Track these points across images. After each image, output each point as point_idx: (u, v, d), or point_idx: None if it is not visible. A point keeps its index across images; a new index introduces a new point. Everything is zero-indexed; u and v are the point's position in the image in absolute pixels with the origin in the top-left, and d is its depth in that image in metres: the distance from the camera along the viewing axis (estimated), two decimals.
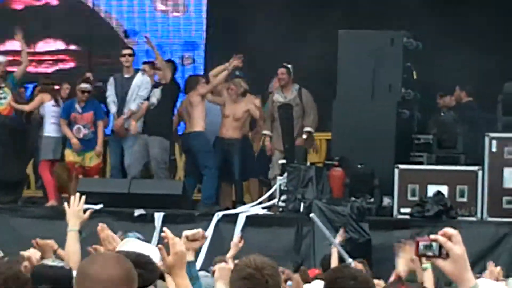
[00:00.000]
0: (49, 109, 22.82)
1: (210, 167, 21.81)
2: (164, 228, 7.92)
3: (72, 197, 11.46)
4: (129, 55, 23.71)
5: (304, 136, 21.85)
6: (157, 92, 22.54)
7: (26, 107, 23.25)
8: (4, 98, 22.80)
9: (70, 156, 22.64)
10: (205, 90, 22.21)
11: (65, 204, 11.35)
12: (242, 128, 22.51)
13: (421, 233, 18.84)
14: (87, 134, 22.37)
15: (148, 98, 22.64)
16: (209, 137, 22.61)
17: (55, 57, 28.48)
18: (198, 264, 16.88)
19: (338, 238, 17.09)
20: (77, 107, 22.41)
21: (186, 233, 8.00)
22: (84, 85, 22.92)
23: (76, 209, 11.19)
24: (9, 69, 24.61)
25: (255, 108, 22.45)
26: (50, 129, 22.79)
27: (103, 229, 11.03)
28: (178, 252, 7.52)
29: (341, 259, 15.45)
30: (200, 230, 8.26)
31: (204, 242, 9.05)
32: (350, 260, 15.74)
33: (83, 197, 11.33)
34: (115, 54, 25.32)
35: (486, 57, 21.94)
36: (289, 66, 22.32)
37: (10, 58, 25.51)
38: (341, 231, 16.76)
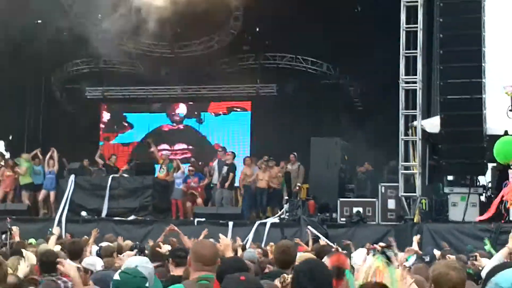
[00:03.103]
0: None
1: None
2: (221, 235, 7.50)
3: None
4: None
5: (297, 187, 21.94)
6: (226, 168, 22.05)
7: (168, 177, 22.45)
8: (162, 172, 22.49)
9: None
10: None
11: None
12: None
13: (348, 231, 19.16)
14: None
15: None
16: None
17: (183, 151, 28.46)
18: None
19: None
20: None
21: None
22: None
23: None
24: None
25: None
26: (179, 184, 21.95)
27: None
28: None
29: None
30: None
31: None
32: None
33: None
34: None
35: (382, 153, 21.16)
36: (295, 153, 22.44)
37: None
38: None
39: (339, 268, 5.43)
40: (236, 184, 22.66)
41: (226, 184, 21.76)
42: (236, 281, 4.55)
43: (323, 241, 16.26)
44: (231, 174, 21.84)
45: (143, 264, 5.79)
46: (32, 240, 13.44)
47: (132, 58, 28.09)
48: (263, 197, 21.94)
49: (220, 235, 7.42)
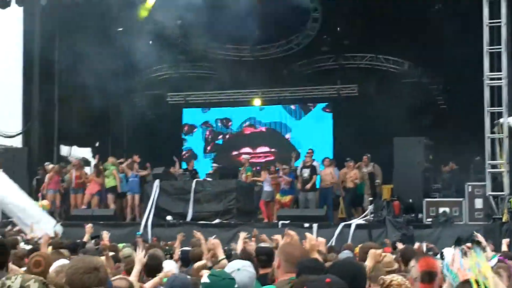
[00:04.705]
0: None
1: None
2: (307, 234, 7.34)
3: None
4: None
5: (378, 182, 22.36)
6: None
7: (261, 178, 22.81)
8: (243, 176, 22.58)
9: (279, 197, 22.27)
10: None
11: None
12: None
13: (435, 232, 18.90)
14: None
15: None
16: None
17: (265, 154, 28.74)
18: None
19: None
20: None
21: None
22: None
23: None
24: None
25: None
26: (267, 187, 22.34)
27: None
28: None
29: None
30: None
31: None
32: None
33: None
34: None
35: (467, 151, 20.94)
36: (369, 155, 22.37)
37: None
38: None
39: (431, 272, 5.33)
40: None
41: (308, 186, 21.77)
42: (321, 283, 4.49)
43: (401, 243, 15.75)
44: (313, 177, 21.83)
45: (245, 268, 5.76)
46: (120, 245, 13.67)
47: (212, 63, 28.38)
48: (348, 195, 22.15)
49: (307, 234, 7.25)
